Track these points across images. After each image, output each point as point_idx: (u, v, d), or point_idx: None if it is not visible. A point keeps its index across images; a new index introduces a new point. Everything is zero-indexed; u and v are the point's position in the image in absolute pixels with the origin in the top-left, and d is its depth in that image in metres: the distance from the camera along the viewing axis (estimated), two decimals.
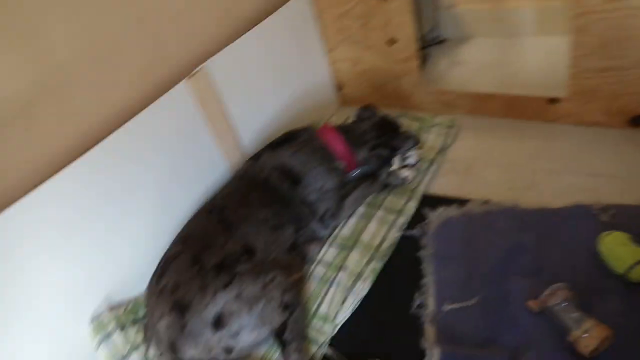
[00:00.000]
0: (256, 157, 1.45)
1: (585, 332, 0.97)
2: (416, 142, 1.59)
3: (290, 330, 1.11)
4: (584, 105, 1.59)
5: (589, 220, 1.26)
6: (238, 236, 1.23)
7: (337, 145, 1.47)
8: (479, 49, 2.24)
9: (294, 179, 1.39)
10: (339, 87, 2.07)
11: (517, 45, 2.20)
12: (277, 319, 1.11)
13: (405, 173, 1.55)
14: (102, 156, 1.17)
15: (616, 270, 1.11)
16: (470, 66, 2.13)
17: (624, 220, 1.23)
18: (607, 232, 1.17)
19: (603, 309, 1.05)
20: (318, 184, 1.40)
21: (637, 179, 1.39)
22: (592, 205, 1.30)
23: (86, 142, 1.18)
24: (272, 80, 1.70)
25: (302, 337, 1.13)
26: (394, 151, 1.52)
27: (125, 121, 1.23)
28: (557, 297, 1.03)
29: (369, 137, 1.51)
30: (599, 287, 1.11)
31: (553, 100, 1.63)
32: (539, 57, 2.06)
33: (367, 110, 1.62)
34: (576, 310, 1.01)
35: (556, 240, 1.23)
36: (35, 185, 1.06)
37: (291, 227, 1.32)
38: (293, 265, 1.30)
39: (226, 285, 1.10)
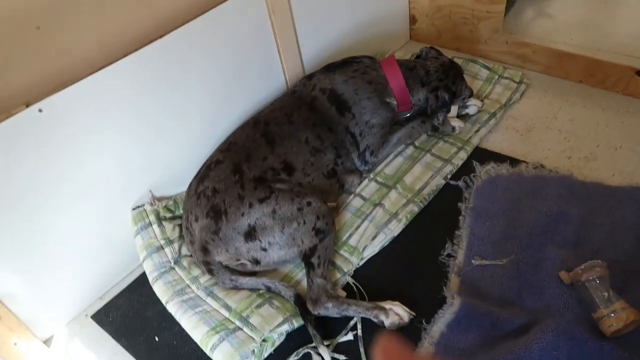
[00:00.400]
0: (310, 76, 1.43)
1: (613, 312, 0.96)
2: (471, 92, 1.52)
3: (318, 255, 1.14)
4: None
5: None
6: (279, 152, 1.24)
7: (396, 80, 1.41)
8: (571, 3, 2.05)
9: (342, 106, 1.36)
10: (413, 21, 1.97)
11: (613, 5, 2.00)
12: (307, 242, 1.14)
13: (456, 123, 1.49)
14: (166, 48, 1.17)
15: None
16: (557, 20, 1.97)
17: None
18: None
19: (636, 295, 1.03)
20: (365, 117, 1.37)
21: None
22: None
23: (156, 30, 1.18)
24: (345, 0, 1.63)
25: (329, 264, 1.16)
26: (453, 97, 1.45)
27: (196, 16, 1.21)
28: (592, 273, 1.01)
29: (431, 79, 1.44)
30: (638, 273, 1.07)
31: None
32: (635, 22, 1.87)
33: (432, 50, 1.54)
34: (608, 290, 0.99)
35: (604, 217, 1.19)
36: (98, 68, 1.08)
37: (331, 153, 1.32)
38: (330, 192, 1.32)
39: (263, 200, 1.13)
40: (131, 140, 1.19)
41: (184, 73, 1.23)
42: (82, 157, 1.10)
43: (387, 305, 1.08)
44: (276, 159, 1.23)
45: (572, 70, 1.65)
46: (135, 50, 1.12)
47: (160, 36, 1.16)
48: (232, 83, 1.36)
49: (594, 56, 1.58)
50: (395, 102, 1.41)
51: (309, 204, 1.15)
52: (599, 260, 1.03)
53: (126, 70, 1.11)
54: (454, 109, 1.52)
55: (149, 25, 1.17)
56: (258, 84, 1.44)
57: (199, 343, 1.08)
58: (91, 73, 1.06)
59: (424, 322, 1.07)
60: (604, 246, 1.13)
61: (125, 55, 1.10)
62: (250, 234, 1.12)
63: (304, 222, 1.13)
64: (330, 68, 1.43)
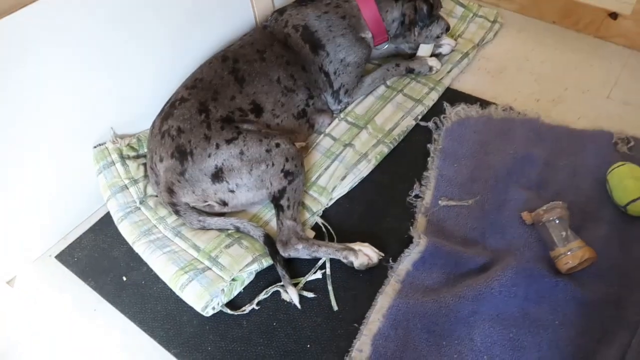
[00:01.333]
0: (281, 11, 1.36)
1: (570, 250, 1.00)
2: (447, 27, 1.48)
3: (287, 197, 1.13)
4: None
5: (606, 147, 1.23)
6: (248, 92, 1.20)
7: (369, 11, 1.35)
8: None
9: (316, 44, 1.31)
10: None
11: None
12: (276, 184, 1.13)
13: (433, 62, 1.47)
14: None
15: (618, 201, 1.11)
16: None
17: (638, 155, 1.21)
18: (621, 163, 1.15)
19: (592, 234, 1.08)
20: (340, 55, 1.32)
21: None
22: (614, 133, 1.26)
23: None
24: None
25: (299, 206, 1.16)
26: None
27: None
28: (553, 214, 1.04)
29: (412, 16, 1.39)
30: (595, 213, 1.12)
31: (613, 15, 1.49)
32: None
33: None
34: (566, 229, 1.03)
35: (567, 160, 1.22)
36: None
37: (303, 93, 1.28)
38: (299, 132, 1.29)
39: (230, 141, 1.10)
40: (90, 74, 1.12)
41: (143, 4, 1.14)
42: (37, 91, 1.03)
43: (357, 246, 1.10)
44: (245, 98, 1.19)
45: (547, 11, 1.62)
46: None
47: None
48: (196, 13, 1.28)
49: None
50: (370, 36, 1.37)
51: (277, 145, 1.12)
52: (560, 202, 1.07)
53: None
54: (428, 48, 1.48)
55: None
56: (223, 16, 1.36)
57: (167, 283, 1.08)
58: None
59: (390, 260, 1.10)
60: (565, 188, 1.17)
61: None
62: (217, 176, 1.10)
63: (273, 164, 1.11)
64: (303, 1, 1.36)
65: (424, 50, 1.48)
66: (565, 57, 1.53)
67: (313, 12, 1.32)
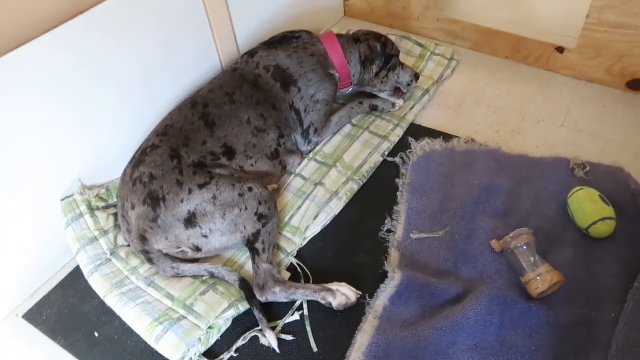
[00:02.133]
0: (251, 53, 1.40)
1: (539, 275, 1.03)
2: (416, 77, 1.54)
3: (262, 240, 1.13)
4: (588, 59, 1.56)
5: (564, 173, 1.29)
6: (219, 135, 1.21)
7: (336, 53, 1.42)
8: None
9: (287, 81, 1.34)
10: None
11: None
12: (250, 227, 1.13)
13: (396, 100, 1.52)
14: (88, 26, 1.09)
15: (580, 224, 1.15)
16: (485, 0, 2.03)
17: (596, 178, 1.27)
18: (579, 187, 1.20)
19: (559, 258, 1.12)
20: (310, 91, 1.36)
21: (618, 141, 1.42)
22: (570, 159, 1.32)
23: (76, 6, 1.10)
24: None
25: (274, 248, 1.16)
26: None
27: None
28: (519, 240, 1.08)
29: (362, 39, 1.45)
30: (560, 237, 1.16)
31: (560, 49, 1.59)
32: (555, 1, 1.97)
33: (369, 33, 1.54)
34: (534, 255, 1.07)
35: (529, 187, 1.27)
36: (17, 45, 0.99)
37: (274, 133, 1.30)
38: (273, 174, 1.31)
39: (203, 186, 1.11)
40: (56, 125, 1.11)
41: (107, 52, 1.16)
42: (1, 144, 1.02)
43: (334, 286, 1.10)
44: (216, 142, 1.20)
45: (498, 47, 1.72)
46: (54, 27, 1.04)
47: (81, 12, 1.08)
48: (161, 62, 1.30)
49: (518, 33, 1.66)
50: (337, 75, 1.42)
51: (250, 189, 1.13)
52: (526, 228, 1.11)
53: (47, 49, 1.04)
54: (389, 87, 1.53)
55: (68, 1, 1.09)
56: (190, 63, 1.39)
57: (142, 335, 1.05)
58: (8, 51, 0.97)
59: (367, 297, 1.10)
60: (529, 214, 1.21)
61: (44, 32, 1.02)
62: (190, 221, 1.10)
63: (246, 208, 1.12)
64: (271, 44, 1.41)
65: (386, 89, 1.54)
66: (519, 90, 1.62)
67: (283, 53, 1.37)
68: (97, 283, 1.13)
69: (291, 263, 1.19)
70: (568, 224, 1.18)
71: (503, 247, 1.11)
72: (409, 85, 1.53)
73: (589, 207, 1.14)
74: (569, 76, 1.63)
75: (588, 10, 1.46)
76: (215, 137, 1.21)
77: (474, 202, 1.25)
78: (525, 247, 1.08)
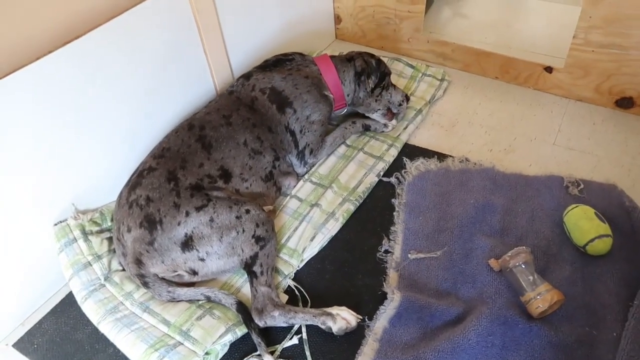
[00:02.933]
0: (246, 76, 1.40)
1: (539, 294, 1.03)
2: (407, 98, 1.56)
3: (260, 263, 1.12)
4: (576, 79, 1.59)
5: (559, 191, 1.30)
6: (216, 157, 1.21)
7: (330, 75, 1.43)
8: (483, 5, 2.18)
9: (283, 102, 1.35)
10: (337, 20, 1.99)
11: (522, 7, 2.15)
12: (247, 250, 1.12)
13: (388, 121, 1.53)
14: (83, 51, 1.09)
15: (577, 242, 1.16)
16: (472, 20, 2.08)
17: (591, 196, 1.28)
18: (574, 205, 1.21)
19: (557, 276, 1.12)
20: (306, 112, 1.37)
21: (609, 158, 1.43)
22: (564, 177, 1.33)
23: (68, 32, 1.10)
24: (272, 0, 1.61)
25: (272, 271, 1.14)
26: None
27: (115, 16, 1.14)
28: (518, 259, 1.08)
29: (364, 66, 1.47)
30: (557, 255, 1.16)
31: (549, 69, 1.62)
32: (542, 22, 2.03)
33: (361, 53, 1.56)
34: (533, 274, 1.06)
35: (525, 205, 1.27)
36: (6, 73, 0.99)
37: (270, 155, 1.30)
38: (268, 195, 1.30)
39: (200, 208, 1.10)
40: (48, 149, 1.10)
41: (102, 75, 1.16)
42: None
43: (334, 310, 1.08)
44: (213, 165, 1.20)
45: (488, 68, 1.75)
46: (49, 52, 1.03)
47: (76, 37, 1.08)
48: (155, 86, 1.30)
49: (506, 54, 1.69)
50: (332, 96, 1.43)
51: (247, 211, 1.12)
52: (524, 247, 1.10)
53: (41, 73, 1.03)
54: (381, 108, 1.54)
55: (63, 27, 1.09)
56: (184, 87, 1.39)
57: None
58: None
59: (366, 319, 1.09)
60: (526, 232, 1.21)
61: (38, 58, 1.02)
62: (187, 244, 1.08)
63: (243, 230, 1.11)
64: (267, 67, 1.42)
65: (379, 109, 1.54)
66: (510, 109, 1.64)
67: (278, 75, 1.38)
68: (91, 309, 1.10)
69: (289, 286, 1.17)
70: (565, 242, 1.19)
71: (502, 266, 1.11)
72: (400, 105, 1.54)
73: (585, 225, 1.15)
74: (558, 95, 1.66)
75: (575, 31, 1.50)
76: (212, 159, 1.21)
77: (470, 221, 1.25)
78: (524, 266, 1.08)
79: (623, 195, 1.26)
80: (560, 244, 1.18)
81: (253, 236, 1.11)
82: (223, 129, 1.26)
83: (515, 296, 1.08)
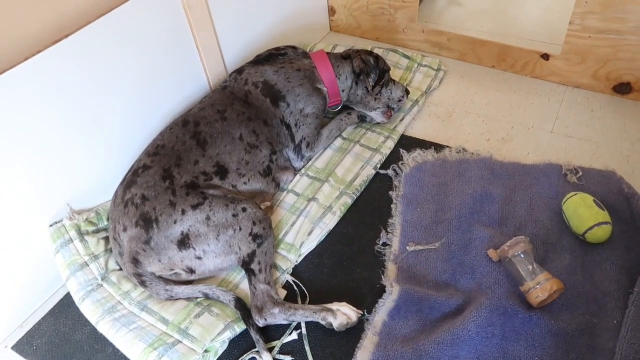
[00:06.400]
0: (239, 70, 1.39)
1: (538, 283, 1.02)
2: (407, 92, 1.54)
3: (258, 261, 1.11)
4: (573, 65, 1.58)
5: (557, 179, 1.29)
6: (211, 154, 1.20)
7: (326, 71, 1.41)
8: None
9: (276, 96, 1.34)
10: (332, 12, 1.97)
11: None
12: (245, 248, 1.11)
13: (382, 117, 1.51)
14: (74, 49, 1.08)
15: (576, 230, 1.15)
16: (467, 8, 2.06)
17: (589, 183, 1.27)
18: (573, 193, 1.20)
19: (557, 265, 1.11)
20: (299, 105, 1.35)
21: (608, 145, 1.42)
22: (562, 165, 1.32)
23: (60, 29, 1.08)
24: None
25: (271, 269, 1.14)
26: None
27: (106, 12, 1.13)
28: (517, 249, 1.07)
29: (362, 66, 1.45)
30: (556, 244, 1.16)
31: (545, 56, 1.61)
32: (538, 9, 2.01)
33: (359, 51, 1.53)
34: (532, 263, 1.06)
35: (523, 194, 1.26)
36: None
37: (266, 149, 1.29)
38: (267, 191, 1.29)
39: (196, 206, 1.09)
40: (43, 149, 1.09)
41: (94, 74, 1.14)
42: None
43: (334, 306, 1.07)
44: (208, 161, 1.19)
45: (484, 56, 1.73)
46: (39, 51, 1.02)
47: (66, 35, 1.07)
48: (148, 83, 1.29)
49: (502, 42, 1.68)
50: (325, 89, 1.41)
51: (244, 209, 1.12)
52: (522, 236, 1.10)
53: (31, 73, 1.02)
54: (381, 103, 1.51)
55: (54, 25, 1.08)
56: (178, 83, 1.38)
57: None
58: None
59: (365, 312, 1.09)
60: (525, 222, 1.21)
61: (26, 58, 1.01)
62: (184, 242, 1.08)
63: (240, 229, 1.10)
64: (259, 61, 1.41)
65: (378, 105, 1.52)
66: (507, 97, 1.63)
67: (270, 68, 1.36)
68: (89, 310, 1.10)
69: (287, 281, 1.17)
70: (564, 230, 1.18)
71: (500, 256, 1.10)
72: (399, 101, 1.53)
73: (584, 213, 1.14)
74: (555, 82, 1.65)
75: (570, 17, 1.48)
76: (207, 156, 1.20)
77: (469, 211, 1.24)
78: (523, 256, 1.07)
79: (622, 182, 1.25)
80: (559, 232, 1.17)
81: (250, 234, 1.11)
82: (218, 124, 1.25)
83: (515, 286, 1.07)
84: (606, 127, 1.48)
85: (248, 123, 1.28)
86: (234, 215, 1.10)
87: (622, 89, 1.55)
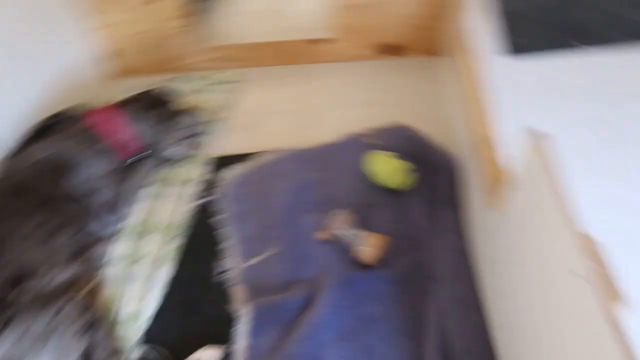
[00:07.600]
0: (10, 156, 1.26)
1: (363, 243, 1.10)
2: (200, 116, 1.53)
3: (101, 348, 1.02)
4: (344, 42, 1.70)
5: (357, 146, 1.38)
6: (5, 261, 1.06)
7: (109, 125, 1.33)
8: None
9: (58, 172, 1.23)
10: (113, 56, 1.86)
11: None
12: (79, 344, 1.01)
13: (186, 149, 1.47)
14: None
15: (385, 183, 1.25)
16: (247, 15, 2.10)
17: (388, 140, 1.38)
18: (373, 153, 1.30)
19: (381, 221, 1.20)
20: (84, 174, 1.25)
21: (400, 105, 1.56)
22: (358, 132, 1.42)
23: None
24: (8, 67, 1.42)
25: (117, 350, 1.05)
26: (169, 119, 1.43)
27: None
28: (336, 221, 1.13)
29: (141, 110, 1.40)
30: (374, 204, 1.25)
31: (314, 42, 1.71)
32: (304, 2, 2.11)
33: (144, 93, 1.49)
34: (353, 228, 1.13)
35: (334, 171, 1.34)
36: None
37: (66, 232, 1.17)
38: (83, 275, 1.17)
39: (7, 325, 0.96)
40: None
41: None
42: None
43: (196, 356, 1.04)
44: (4, 270, 1.05)
45: (265, 57, 1.79)
46: None
47: None
48: None
49: (276, 40, 1.75)
50: (111, 146, 1.33)
51: (61, 308, 1.01)
52: (339, 210, 1.16)
53: None
54: (174, 138, 1.47)
55: None
56: None
57: None
58: None
59: (230, 344, 1.06)
60: (342, 195, 1.28)
61: None
62: None
63: (66, 327, 1.00)
64: (30, 139, 1.29)
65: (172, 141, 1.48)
66: (298, 89, 1.69)
67: (41, 144, 1.26)
68: None
69: (144, 350, 1.09)
70: (376, 189, 1.27)
71: (328, 234, 1.16)
72: (196, 126, 1.50)
73: (387, 167, 1.24)
74: (334, 62, 1.76)
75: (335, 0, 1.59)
76: (1, 264, 1.06)
77: (292, 206, 1.27)
78: (345, 226, 1.13)
79: (417, 133, 1.38)
80: (370, 192, 1.26)
81: (79, 328, 1.01)
82: (1, 225, 1.11)
83: (350, 256, 1.13)
84: (391, 89, 1.62)
85: (36, 213, 1.15)
86: (50, 322, 0.99)
87: (390, 50, 1.71)
